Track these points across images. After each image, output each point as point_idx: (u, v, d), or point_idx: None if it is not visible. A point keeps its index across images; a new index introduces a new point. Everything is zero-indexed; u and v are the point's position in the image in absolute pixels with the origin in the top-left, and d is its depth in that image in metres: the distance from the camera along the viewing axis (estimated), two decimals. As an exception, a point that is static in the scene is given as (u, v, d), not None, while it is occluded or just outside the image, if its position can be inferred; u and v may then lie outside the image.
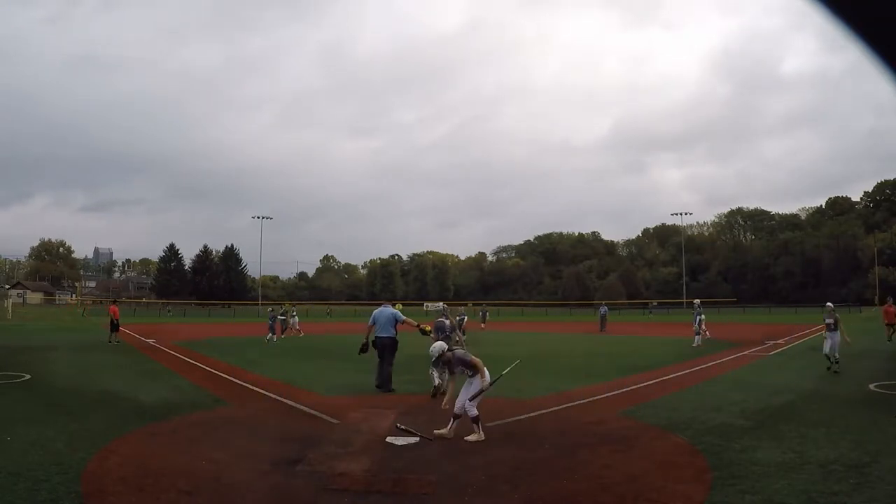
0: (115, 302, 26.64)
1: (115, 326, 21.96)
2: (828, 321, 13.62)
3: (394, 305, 12.08)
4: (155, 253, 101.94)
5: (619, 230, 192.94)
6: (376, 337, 11.36)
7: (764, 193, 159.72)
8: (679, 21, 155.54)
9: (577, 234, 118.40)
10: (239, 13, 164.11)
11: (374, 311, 11.83)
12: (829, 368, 13.19)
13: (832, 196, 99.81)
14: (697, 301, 23.83)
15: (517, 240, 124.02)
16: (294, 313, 29.40)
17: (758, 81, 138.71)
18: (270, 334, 24.19)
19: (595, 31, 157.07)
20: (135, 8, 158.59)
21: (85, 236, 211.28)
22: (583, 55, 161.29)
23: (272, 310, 27.90)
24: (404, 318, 11.59)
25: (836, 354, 13.37)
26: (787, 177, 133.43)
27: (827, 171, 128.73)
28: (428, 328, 11.17)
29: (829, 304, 14.88)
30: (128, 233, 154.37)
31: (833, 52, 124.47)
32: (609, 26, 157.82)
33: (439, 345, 7.99)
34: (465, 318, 25.25)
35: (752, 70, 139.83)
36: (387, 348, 11.24)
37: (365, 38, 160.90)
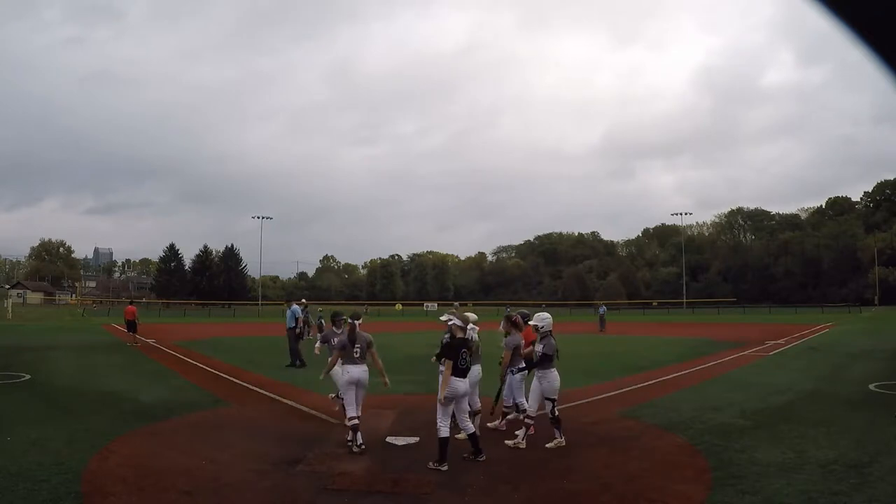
0: (132, 302, 26.04)
1: (132, 327, 21.67)
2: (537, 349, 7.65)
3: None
4: (157, 254, 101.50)
5: (616, 232, 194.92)
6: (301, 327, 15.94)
7: (753, 197, 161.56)
8: (665, 39, 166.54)
9: (576, 235, 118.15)
10: (253, 34, 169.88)
11: (294, 308, 15.88)
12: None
13: (831, 196, 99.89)
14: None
15: (516, 240, 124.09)
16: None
17: (740, 93, 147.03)
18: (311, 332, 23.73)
19: (587, 50, 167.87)
20: (152, 31, 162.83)
21: (88, 238, 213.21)
22: (576, 70, 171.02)
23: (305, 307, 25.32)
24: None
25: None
26: (773, 181, 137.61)
27: (810, 177, 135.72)
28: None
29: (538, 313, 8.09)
30: (132, 235, 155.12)
31: (809, 65, 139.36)
32: (600, 46, 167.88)
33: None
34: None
35: (733, 83, 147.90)
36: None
37: (370, 56, 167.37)
